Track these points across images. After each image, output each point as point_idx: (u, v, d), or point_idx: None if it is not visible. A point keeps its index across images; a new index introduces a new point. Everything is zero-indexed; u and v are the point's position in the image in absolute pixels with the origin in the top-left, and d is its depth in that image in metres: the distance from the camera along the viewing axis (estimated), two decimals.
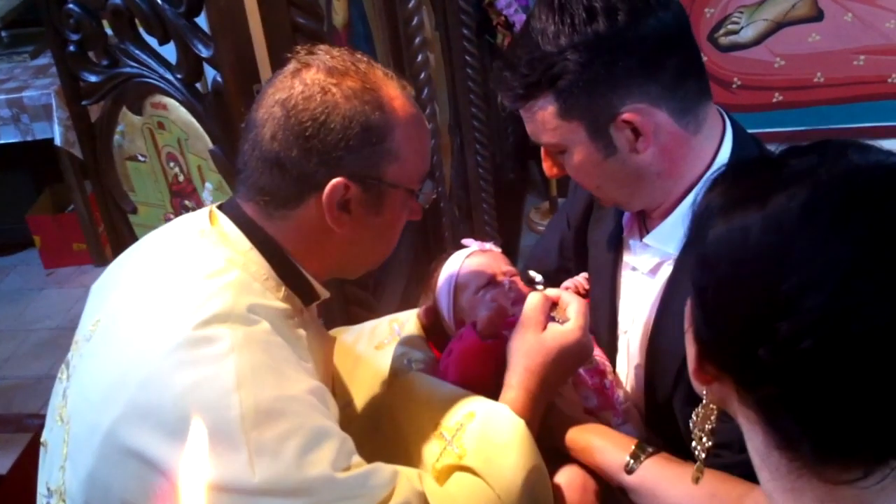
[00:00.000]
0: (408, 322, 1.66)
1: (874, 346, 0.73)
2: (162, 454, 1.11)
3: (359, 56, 1.29)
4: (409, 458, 1.37)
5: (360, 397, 1.54)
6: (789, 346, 0.75)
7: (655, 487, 1.33)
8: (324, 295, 1.35)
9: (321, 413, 1.19)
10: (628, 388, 1.56)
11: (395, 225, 1.35)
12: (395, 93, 1.27)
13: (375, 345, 1.61)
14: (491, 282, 1.58)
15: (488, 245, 1.68)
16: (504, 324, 1.49)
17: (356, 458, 1.19)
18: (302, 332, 1.28)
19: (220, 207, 1.32)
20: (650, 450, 1.36)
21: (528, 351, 1.39)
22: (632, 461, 1.35)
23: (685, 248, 0.91)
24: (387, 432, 1.45)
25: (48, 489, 1.26)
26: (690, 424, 1.00)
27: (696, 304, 0.87)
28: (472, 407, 1.36)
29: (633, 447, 1.37)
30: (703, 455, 1.00)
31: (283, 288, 1.27)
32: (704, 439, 1.00)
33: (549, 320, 1.43)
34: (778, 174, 0.81)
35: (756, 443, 0.86)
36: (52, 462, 1.27)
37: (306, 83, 1.22)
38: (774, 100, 4.27)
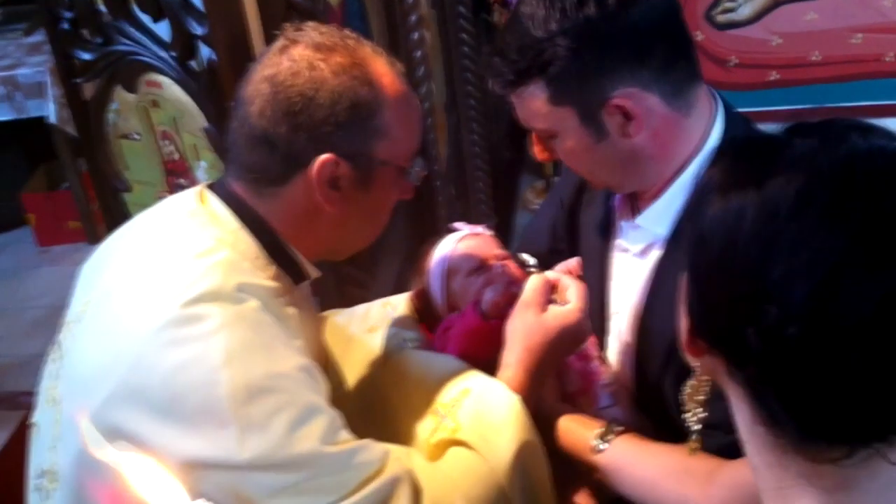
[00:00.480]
0: (400, 305, 1.65)
1: (859, 337, 0.73)
2: (150, 433, 1.11)
3: (347, 32, 1.28)
4: (403, 436, 1.37)
5: (352, 378, 1.54)
6: (776, 330, 0.76)
7: (626, 465, 1.34)
8: (314, 274, 1.35)
9: (311, 389, 1.19)
10: (619, 369, 1.56)
11: (385, 204, 1.34)
12: (383, 69, 1.26)
13: (368, 328, 1.61)
14: (482, 265, 1.58)
15: (480, 228, 1.68)
16: (508, 306, 1.49)
17: (345, 434, 1.19)
18: (292, 310, 1.28)
19: (209, 187, 1.31)
20: (619, 429, 1.37)
21: (528, 331, 1.40)
22: (601, 441, 1.36)
23: (683, 219, 0.91)
24: (379, 412, 1.45)
25: (39, 470, 1.26)
26: (683, 397, 1.01)
27: (690, 278, 0.88)
28: (468, 383, 1.37)
29: (601, 428, 1.38)
30: (698, 426, 1.01)
31: (273, 267, 1.27)
32: (698, 410, 1.00)
33: (549, 303, 1.43)
34: (778, 156, 0.81)
35: (743, 417, 0.87)
36: (42, 443, 1.27)
37: (294, 59, 1.22)
38: (771, 78, 4.26)
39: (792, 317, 0.75)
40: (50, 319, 4.00)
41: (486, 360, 1.44)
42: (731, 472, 1.20)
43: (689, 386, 0.99)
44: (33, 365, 4.04)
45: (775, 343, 0.76)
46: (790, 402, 0.79)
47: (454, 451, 1.31)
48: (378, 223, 1.36)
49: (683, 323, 0.91)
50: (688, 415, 1.01)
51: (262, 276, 1.24)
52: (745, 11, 4.15)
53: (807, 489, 0.82)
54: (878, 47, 4.13)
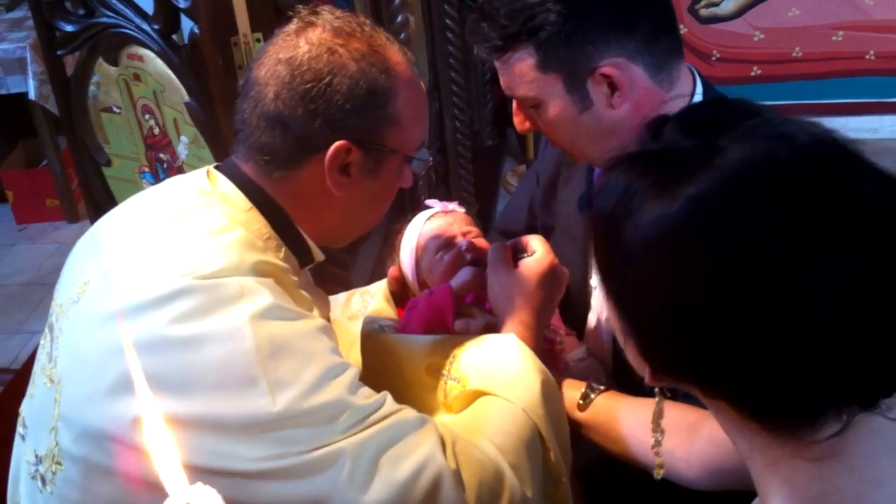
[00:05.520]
0: (378, 293, 1.66)
1: (806, 328, 0.76)
2: (173, 408, 1.08)
3: (362, 19, 1.27)
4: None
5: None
6: (755, 348, 0.78)
7: (608, 420, 1.36)
8: (319, 257, 1.35)
9: (331, 349, 1.19)
10: (597, 342, 1.57)
11: (390, 191, 1.34)
12: (398, 57, 1.26)
13: (349, 315, 1.62)
14: (450, 243, 1.59)
15: (451, 206, 1.68)
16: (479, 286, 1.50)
17: (367, 390, 1.19)
18: (303, 291, 1.28)
19: (217, 167, 1.31)
20: (600, 388, 1.39)
21: (509, 290, 1.41)
22: (582, 400, 1.38)
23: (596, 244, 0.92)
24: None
25: (35, 457, 1.23)
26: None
27: (630, 323, 0.89)
28: (459, 341, 1.39)
29: (583, 387, 1.40)
30: (661, 444, 1.06)
31: (283, 248, 1.27)
32: (659, 435, 1.06)
33: (517, 261, 1.45)
34: (674, 165, 0.82)
35: (725, 417, 0.89)
36: (38, 428, 1.23)
37: (312, 42, 1.21)
38: (752, 73, 4.29)
39: (777, 326, 0.76)
40: (27, 296, 4.01)
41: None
42: (714, 427, 1.22)
43: (654, 412, 1.02)
44: (10, 342, 4.03)
45: (742, 367, 0.79)
46: (768, 400, 0.81)
47: (479, 402, 1.32)
48: (381, 209, 1.37)
49: (632, 356, 0.92)
50: (651, 437, 1.05)
51: (274, 256, 1.24)
52: (728, 6, 4.18)
53: (796, 461, 0.83)
54: (859, 45, 4.17)
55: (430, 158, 1.37)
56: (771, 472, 0.86)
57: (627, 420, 1.34)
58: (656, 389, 1.03)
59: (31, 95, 4.09)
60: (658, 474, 1.19)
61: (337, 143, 1.21)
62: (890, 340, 0.76)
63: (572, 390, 1.41)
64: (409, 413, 1.20)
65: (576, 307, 1.60)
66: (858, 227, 0.75)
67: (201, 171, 1.31)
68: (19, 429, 1.31)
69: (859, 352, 0.76)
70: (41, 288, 3.90)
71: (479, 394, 1.32)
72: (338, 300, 1.67)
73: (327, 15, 1.25)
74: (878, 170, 0.79)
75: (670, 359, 0.86)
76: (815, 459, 0.82)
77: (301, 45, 1.21)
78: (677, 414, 1.29)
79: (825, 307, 0.75)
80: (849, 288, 0.74)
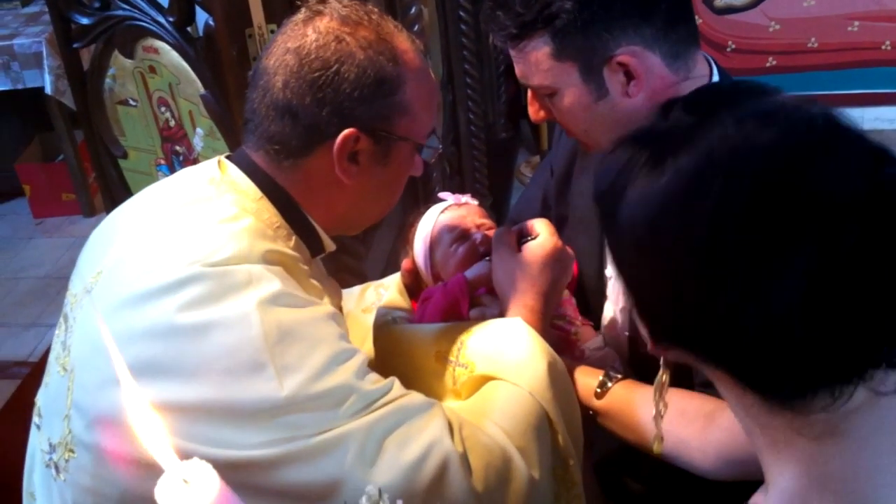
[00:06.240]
0: (391, 286, 1.66)
1: (802, 306, 0.76)
2: (181, 395, 1.10)
3: (369, 7, 1.28)
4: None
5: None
6: (731, 321, 0.79)
7: (625, 408, 1.36)
8: (330, 247, 1.36)
9: (340, 335, 1.20)
10: (614, 332, 1.57)
11: (400, 179, 1.35)
12: (406, 45, 1.27)
13: (363, 308, 1.62)
14: (464, 235, 1.59)
15: (464, 198, 1.68)
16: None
17: (375, 375, 1.20)
18: (314, 281, 1.29)
19: (228, 157, 1.31)
20: (618, 376, 1.39)
21: (512, 275, 1.42)
22: (600, 388, 1.39)
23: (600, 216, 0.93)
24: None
25: (49, 445, 1.24)
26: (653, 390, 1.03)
27: (629, 285, 0.90)
28: (465, 327, 1.39)
29: (600, 375, 1.40)
30: (661, 419, 1.06)
31: (294, 237, 1.28)
32: (662, 407, 1.06)
33: (521, 245, 1.45)
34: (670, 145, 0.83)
35: (727, 389, 0.89)
36: (52, 416, 1.25)
37: (320, 31, 1.21)
38: (768, 64, 4.27)
39: (743, 304, 0.77)
40: (44, 290, 4.04)
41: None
42: (731, 416, 1.22)
43: (656, 381, 1.02)
44: (27, 335, 4.06)
45: (730, 333, 0.80)
46: (763, 371, 0.82)
47: (486, 387, 1.32)
48: (392, 198, 1.37)
49: (643, 329, 0.93)
50: (652, 407, 1.05)
51: (284, 245, 1.25)
52: None
53: (797, 439, 0.83)
54: (874, 35, 4.14)
55: (440, 146, 1.38)
56: (774, 452, 0.87)
57: (645, 409, 1.34)
58: (661, 361, 1.03)
59: (48, 90, 4.11)
60: (657, 448, 1.21)
61: (346, 132, 1.21)
62: (858, 320, 0.76)
63: (589, 378, 1.41)
64: (416, 397, 1.21)
65: (592, 297, 1.60)
66: (811, 221, 0.75)
67: (212, 161, 1.31)
68: (35, 418, 1.32)
69: (825, 334, 0.76)
70: (58, 282, 3.92)
71: (486, 379, 1.32)
72: (352, 293, 1.68)
73: (335, 4, 1.25)
74: (874, 155, 0.79)
75: (666, 326, 0.88)
76: (814, 438, 0.82)
77: (309, 34, 1.21)
78: (695, 403, 1.29)
79: (785, 297, 0.76)
80: (807, 287, 0.75)
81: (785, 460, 0.85)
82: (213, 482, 0.68)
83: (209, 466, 0.69)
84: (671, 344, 0.89)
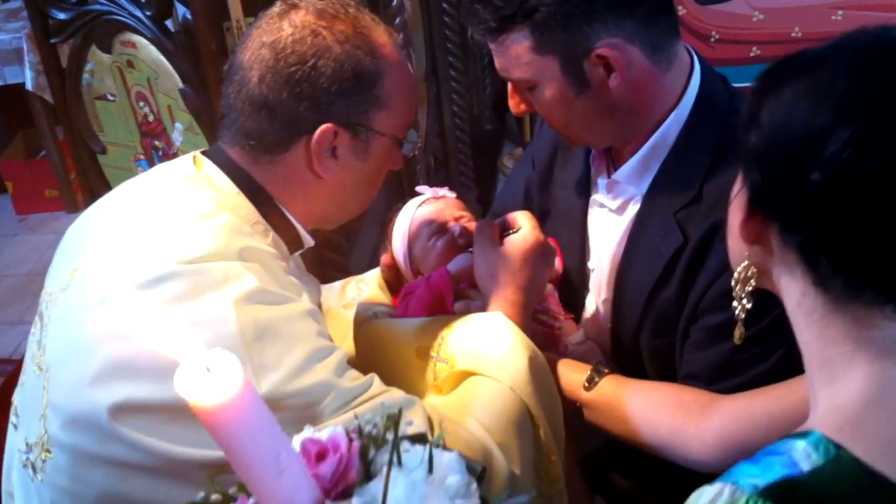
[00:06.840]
0: (372, 281, 1.66)
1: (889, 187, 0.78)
2: (158, 394, 1.08)
3: (346, 0, 1.26)
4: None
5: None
6: (821, 191, 0.81)
7: (615, 402, 1.35)
8: (308, 243, 1.35)
9: (318, 332, 1.19)
10: (596, 324, 1.57)
11: (379, 173, 1.34)
12: (384, 39, 1.25)
13: (344, 304, 1.62)
14: (443, 228, 1.58)
15: (442, 191, 1.67)
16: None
17: (354, 372, 1.19)
18: (292, 277, 1.27)
19: (204, 153, 1.30)
20: (605, 371, 1.39)
21: (493, 268, 1.41)
22: (588, 383, 1.38)
23: (737, 129, 0.95)
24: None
25: (26, 445, 1.23)
26: (732, 282, 1.02)
27: (746, 162, 0.92)
28: (446, 322, 1.38)
29: (588, 370, 1.39)
30: (743, 315, 1.04)
31: (271, 233, 1.26)
32: (745, 301, 1.03)
33: (503, 238, 1.44)
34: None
35: (795, 286, 0.89)
36: (29, 416, 1.24)
37: (296, 25, 1.20)
38: (752, 54, 4.27)
39: (833, 174, 0.80)
40: (28, 287, 4.01)
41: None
42: (732, 404, 1.22)
43: (739, 273, 1.00)
44: (11, 332, 4.03)
45: (821, 203, 0.82)
46: (837, 258, 0.83)
47: (467, 382, 1.32)
48: (371, 192, 1.36)
49: (736, 216, 0.95)
50: (735, 301, 1.02)
51: (262, 241, 1.24)
52: None
53: (854, 357, 0.84)
54: (858, 24, 4.13)
55: (419, 140, 1.37)
56: (827, 372, 0.87)
57: (633, 403, 1.34)
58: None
59: (29, 86, 4.08)
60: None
61: (323, 127, 1.20)
62: None
63: (575, 372, 1.41)
64: (396, 393, 1.20)
65: (574, 290, 1.59)
66: None
67: (188, 157, 1.30)
68: (12, 418, 1.31)
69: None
70: (41, 279, 3.82)
71: (467, 374, 1.32)
72: (333, 288, 1.67)
73: None
74: None
75: (778, 190, 0.89)
76: (873, 360, 0.83)
77: (284, 27, 1.20)
78: (691, 395, 1.29)
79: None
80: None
81: (841, 378, 0.85)
82: (236, 373, 0.65)
83: (234, 357, 0.66)
84: (767, 214, 0.90)
